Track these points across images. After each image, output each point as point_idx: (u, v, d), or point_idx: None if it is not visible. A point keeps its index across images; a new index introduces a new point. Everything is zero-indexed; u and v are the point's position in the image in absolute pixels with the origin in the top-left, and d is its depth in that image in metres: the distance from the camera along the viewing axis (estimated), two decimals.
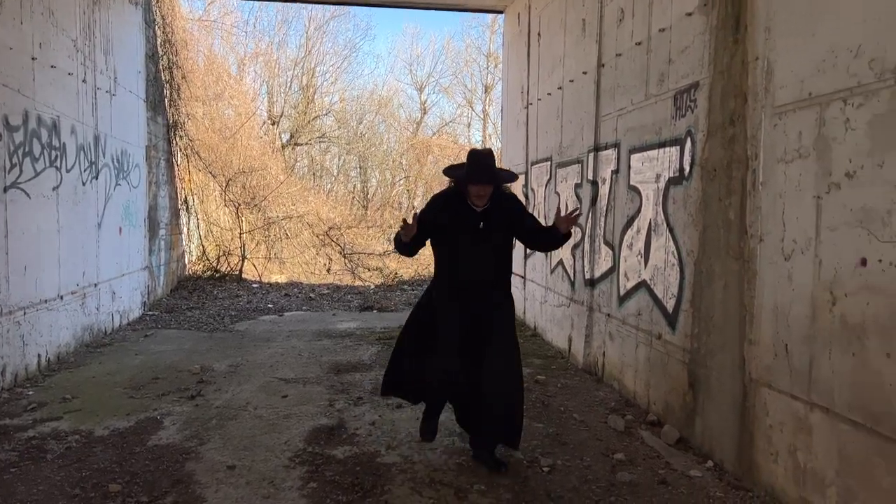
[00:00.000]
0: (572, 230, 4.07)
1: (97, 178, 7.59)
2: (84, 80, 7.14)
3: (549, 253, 7.75)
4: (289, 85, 21.79)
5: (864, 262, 2.93)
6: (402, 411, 5.02)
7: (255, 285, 12.57)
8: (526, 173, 9.08)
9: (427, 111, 29.14)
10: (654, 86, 5.12)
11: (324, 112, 23.32)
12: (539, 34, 8.44)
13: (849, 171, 3.03)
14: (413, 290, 12.73)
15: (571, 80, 7.10)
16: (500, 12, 10.42)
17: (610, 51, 6.03)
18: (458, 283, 3.92)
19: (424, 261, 15.09)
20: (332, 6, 20.98)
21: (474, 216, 3.91)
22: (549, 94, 7.94)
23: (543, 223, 4.81)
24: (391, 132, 26.03)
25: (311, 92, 22.71)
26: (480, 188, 3.86)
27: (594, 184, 6.41)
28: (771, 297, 3.59)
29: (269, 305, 10.52)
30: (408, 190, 22.55)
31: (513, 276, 10.06)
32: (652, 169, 5.16)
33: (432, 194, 4.29)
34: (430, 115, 29.67)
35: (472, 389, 3.90)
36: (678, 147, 4.72)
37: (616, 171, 5.89)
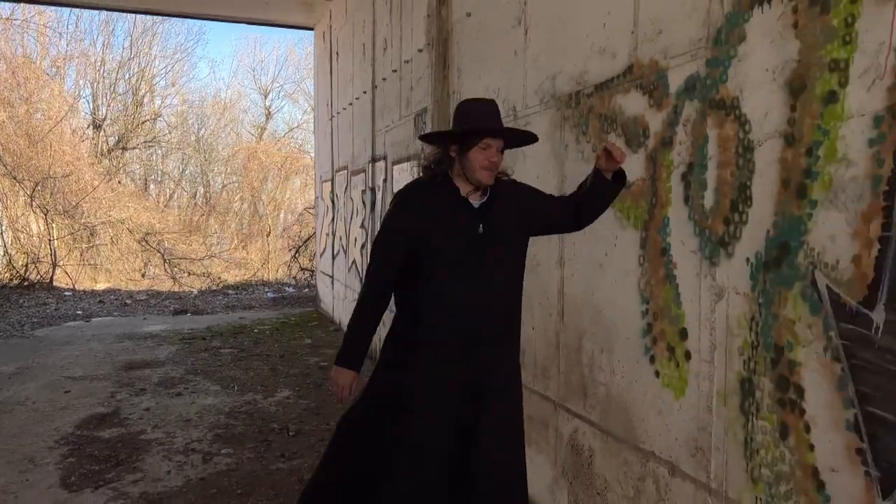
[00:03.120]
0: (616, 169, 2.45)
1: None
2: None
3: (348, 252, 8.49)
4: (113, 88, 21.02)
5: None
6: (181, 398, 5.52)
7: (67, 293, 12.27)
8: (332, 180, 9.78)
9: (272, 116, 29.10)
10: (404, 108, 6.01)
11: (153, 116, 22.69)
12: (337, 53, 9.19)
13: None
14: (237, 294, 12.99)
15: (357, 98, 7.90)
16: (311, 29, 11.06)
17: (380, 74, 6.88)
18: (451, 333, 2.40)
19: (252, 265, 15.36)
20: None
21: (470, 215, 2.44)
22: (345, 108, 8.71)
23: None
24: (233, 137, 25.81)
25: (140, 95, 22.04)
26: (492, 153, 2.38)
27: (373, 190, 7.24)
28: None
29: (79, 312, 10.42)
30: (251, 195, 22.50)
31: (321, 275, 10.77)
32: (405, 179, 6.04)
33: (405, 186, 2.59)
34: (276, 121, 29.60)
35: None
36: (419, 158, 5.62)
37: (385, 180, 6.74)
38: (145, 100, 22.34)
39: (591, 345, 2.98)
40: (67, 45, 20.82)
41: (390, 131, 6.49)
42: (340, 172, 9.22)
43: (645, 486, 2.59)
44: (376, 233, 2.61)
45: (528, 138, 2.59)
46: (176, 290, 13.35)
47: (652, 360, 2.56)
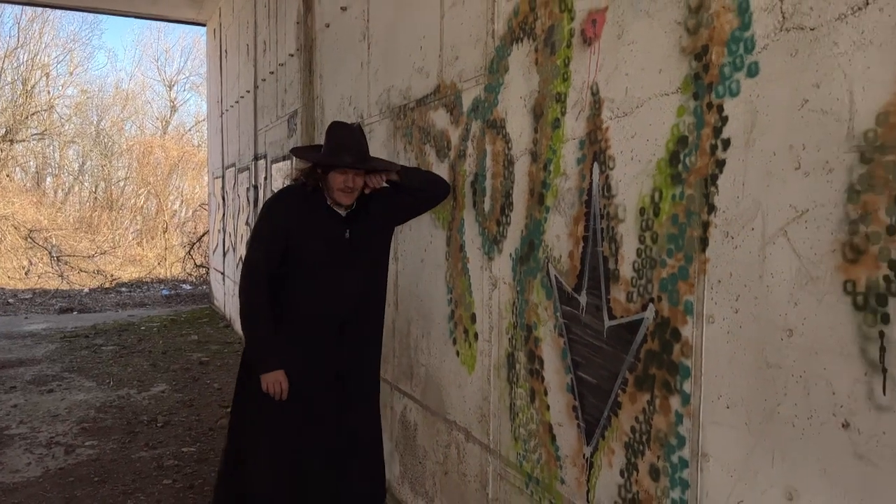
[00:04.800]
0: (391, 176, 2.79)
1: None
2: None
3: (236, 249, 8.59)
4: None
5: None
6: (52, 395, 5.55)
7: None
8: (223, 177, 9.82)
9: (177, 109, 28.24)
10: (279, 109, 6.23)
11: (47, 107, 21.64)
12: (226, 51, 9.25)
13: None
14: (130, 291, 12.74)
15: (242, 97, 8.03)
16: (203, 25, 11.01)
17: (261, 75, 7.05)
18: (317, 331, 2.73)
19: (148, 263, 15.05)
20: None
21: (337, 223, 2.74)
22: (232, 106, 8.80)
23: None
24: (137, 130, 24.91)
25: (29, 85, 20.96)
26: (349, 178, 2.64)
27: (255, 188, 7.41)
28: None
29: None
30: (148, 191, 21.80)
31: (214, 272, 10.77)
32: (280, 178, 6.27)
33: (275, 192, 2.98)
34: (181, 114, 28.73)
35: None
36: (291, 161, 5.86)
37: (266, 178, 6.93)
38: (36, 90, 21.30)
39: (416, 330, 3.34)
40: None
41: (269, 131, 6.69)
42: (230, 169, 9.29)
43: (450, 451, 2.97)
44: (249, 239, 2.86)
45: (386, 167, 2.81)
46: (65, 288, 12.94)
47: (454, 341, 2.94)
